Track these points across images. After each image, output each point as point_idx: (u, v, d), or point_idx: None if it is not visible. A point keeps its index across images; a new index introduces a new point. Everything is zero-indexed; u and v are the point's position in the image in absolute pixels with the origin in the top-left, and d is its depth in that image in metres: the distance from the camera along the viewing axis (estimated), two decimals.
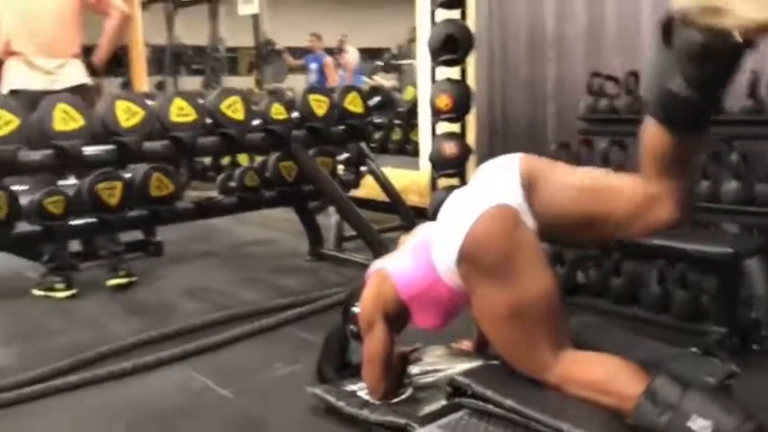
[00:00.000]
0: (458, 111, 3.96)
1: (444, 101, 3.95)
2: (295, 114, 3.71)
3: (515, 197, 1.86)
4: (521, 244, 1.83)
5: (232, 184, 3.88)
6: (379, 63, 10.81)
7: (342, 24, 11.90)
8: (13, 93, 3.43)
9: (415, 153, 5.59)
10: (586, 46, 4.05)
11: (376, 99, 4.50)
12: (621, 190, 1.81)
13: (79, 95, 3.25)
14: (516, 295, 1.81)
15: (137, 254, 4.42)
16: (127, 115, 3.02)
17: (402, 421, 2.04)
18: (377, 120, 4.35)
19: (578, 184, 1.88)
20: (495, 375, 1.94)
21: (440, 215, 2.04)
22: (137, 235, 4.59)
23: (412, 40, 7.92)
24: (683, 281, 3.02)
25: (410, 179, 5.28)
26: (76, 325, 3.29)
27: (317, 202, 4.57)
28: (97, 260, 4.08)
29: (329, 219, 4.58)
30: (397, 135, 6.54)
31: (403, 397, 2.27)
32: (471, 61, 4.21)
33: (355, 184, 4.55)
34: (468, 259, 1.85)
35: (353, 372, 2.42)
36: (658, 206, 1.74)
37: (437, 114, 4.01)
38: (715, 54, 1.48)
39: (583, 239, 1.93)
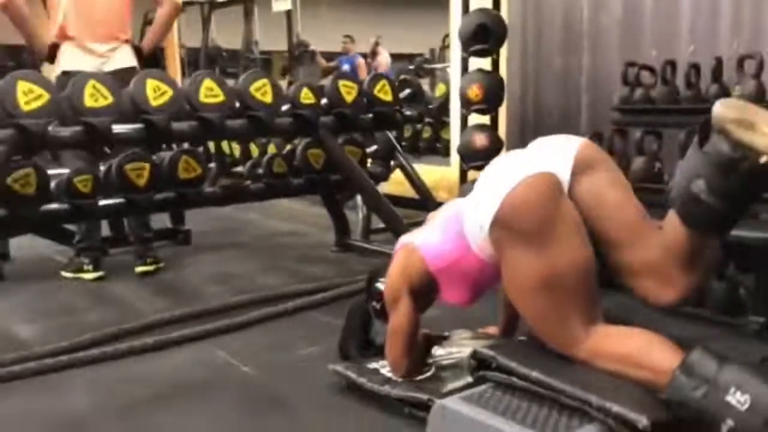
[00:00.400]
0: (489, 102, 3.89)
1: (475, 92, 3.88)
2: (324, 101, 3.68)
3: (562, 171, 1.81)
4: (561, 213, 1.76)
5: (260, 171, 3.87)
6: (411, 67, 10.78)
7: (375, 28, 11.93)
8: (66, 74, 3.47)
9: (446, 152, 5.53)
10: (621, 37, 3.96)
11: (407, 91, 4.43)
12: (649, 243, 1.77)
13: (128, 78, 3.30)
14: (550, 264, 1.74)
15: (165, 242, 4.44)
16: (156, 93, 3.03)
17: (425, 396, 1.98)
18: (408, 112, 4.26)
19: (623, 204, 1.83)
20: (521, 348, 1.87)
21: (478, 183, 1.98)
22: (166, 223, 4.64)
23: (445, 47, 7.89)
24: (720, 273, 2.92)
25: (440, 175, 5.22)
26: (101, 304, 3.30)
27: (345, 193, 4.52)
28: (127, 246, 4.11)
29: (357, 212, 4.55)
30: (427, 133, 6.50)
31: (426, 375, 2.22)
32: (503, 51, 4.14)
33: (384, 177, 4.50)
34: (503, 223, 1.78)
35: (376, 352, 2.38)
36: (666, 286, 1.76)
37: (468, 105, 3.95)
38: (739, 168, 1.51)
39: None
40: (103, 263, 3.78)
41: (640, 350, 1.69)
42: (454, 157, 4.78)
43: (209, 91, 3.14)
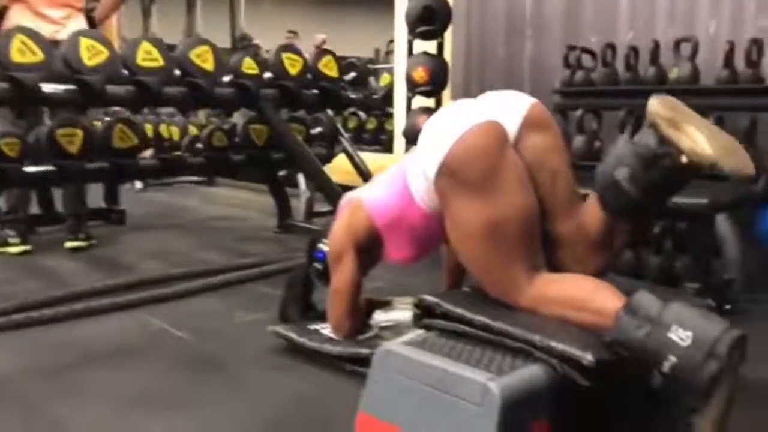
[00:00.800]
0: (434, 84, 3.88)
1: (420, 74, 3.87)
2: (267, 74, 3.60)
3: (510, 124, 1.79)
4: (506, 161, 1.74)
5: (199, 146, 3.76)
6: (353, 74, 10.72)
7: (321, 27, 11.86)
8: None
9: (390, 146, 5.50)
10: (563, 23, 4.03)
11: (352, 74, 4.40)
12: (574, 221, 1.80)
13: None
14: (494, 211, 1.72)
15: (99, 222, 4.26)
16: (91, 53, 2.90)
17: (366, 351, 1.93)
18: (353, 96, 4.23)
19: (563, 173, 1.82)
20: (465, 296, 1.84)
21: (421, 134, 1.95)
22: (100, 203, 4.47)
23: (389, 52, 7.85)
24: (657, 247, 2.99)
25: (384, 162, 5.18)
26: (30, 277, 3.13)
27: (287, 171, 4.44)
28: (57, 225, 3.93)
29: (300, 198, 4.48)
30: (372, 124, 6.47)
31: (367, 335, 2.17)
32: (447, 37, 4.16)
33: (328, 159, 4.45)
34: (449, 171, 1.75)
35: (317, 316, 2.32)
36: (574, 262, 1.80)
37: (413, 87, 3.94)
38: (661, 164, 1.57)
39: None
40: (31, 240, 3.60)
41: (584, 294, 1.68)
42: (399, 147, 4.77)
43: (147, 55, 3.03)
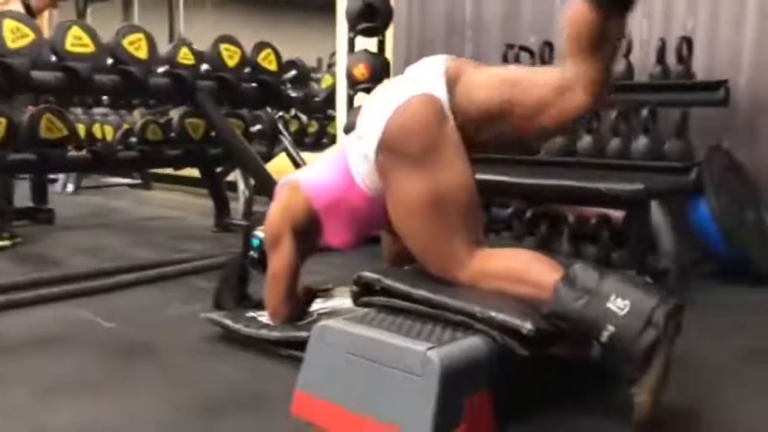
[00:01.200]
0: (375, 81, 3.86)
1: (361, 71, 3.86)
2: (204, 66, 3.51)
3: (439, 90, 1.77)
4: (444, 135, 1.73)
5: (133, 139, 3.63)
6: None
7: (262, 35, 11.74)
8: None
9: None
10: (502, 25, 4.08)
11: (293, 72, 4.35)
12: (538, 79, 1.75)
13: None
14: (435, 185, 1.70)
15: (25, 222, 4.07)
16: (15, 35, 2.76)
17: (305, 334, 1.87)
18: (293, 94, 4.17)
19: (499, 75, 1.81)
20: (405, 273, 1.81)
21: (359, 118, 1.92)
22: (27, 203, 4.27)
23: (332, 64, 7.77)
24: (593, 238, 3.03)
25: None
26: None
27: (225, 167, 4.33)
28: None
29: (239, 198, 4.38)
30: (313, 127, 6.41)
31: (305, 321, 2.11)
32: (389, 36, 4.16)
33: (268, 158, 4.37)
34: (388, 147, 1.73)
35: (253, 305, 2.25)
36: (572, 91, 1.65)
37: (354, 84, 3.92)
38: None
39: (503, 134, 1.82)
40: None
41: (523, 267, 1.68)
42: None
43: (77, 40, 2.90)
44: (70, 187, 5.92)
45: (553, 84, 1.69)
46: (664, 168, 3.01)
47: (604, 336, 1.51)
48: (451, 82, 1.79)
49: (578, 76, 1.64)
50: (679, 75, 3.15)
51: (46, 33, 5.70)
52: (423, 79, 1.80)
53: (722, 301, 2.64)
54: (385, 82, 1.97)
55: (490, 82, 1.79)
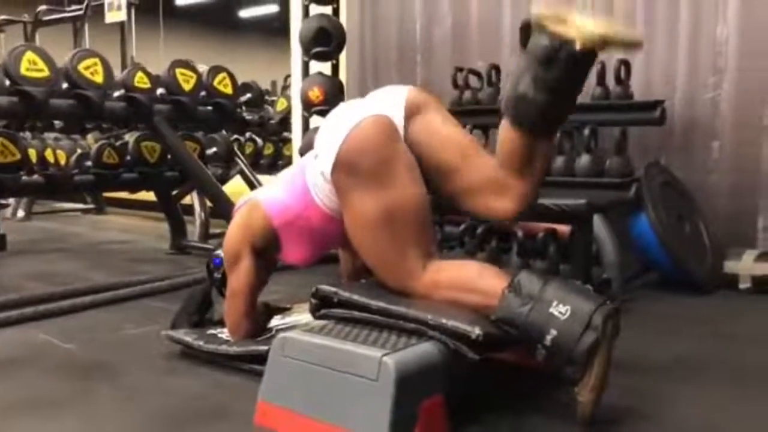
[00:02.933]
0: (330, 104, 3.94)
1: (316, 93, 3.95)
2: (160, 90, 3.55)
3: (397, 114, 1.87)
4: (397, 153, 1.82)
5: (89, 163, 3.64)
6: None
7: (216, 58, 11.75)
8: None
9: None
10: (451, 49, 4.22)
11: (248, 95, 4.41)
12: (482, 162, 1.86)
13: None
14: (389, 201, 1.78)
15: None
16: None
17: (265, 348, 1.92)
18: (248, 116, 4.23)
19: (453, 134, 1.90)
20: (361, 286, 1.89)
21: (316, 138, 1.99)
22: None
23: (287, 87, 7.84)
24: (542, 252, 3.15)
25: None
26: None
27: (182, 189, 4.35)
28: None
29: (195, 220, 4.40)
30: (269, 150, 6.46)
31: (264, 337, 2.16)
32: (342, 59, 4.26)
33: (224, 180, 4.41)
34: (344, 165, 1.81)
35: (215, 322, 2.30)
36: (502, 196, 1.82)
37: (309, 107, 4.00)
38: (559, 59, 1.61)
39: (437, 186, 1.93)
40: None
41: (472, 276, 1.77)
42: None
43: (32, 65, 2.92)
44: (21, 213, 5.84)
45: (492, 178, 1.83)
46: (606, 184, 3.16)
47: (548, 339, 1.61)
48: (410, 111, 1.89)
49: (510, 187, 1.81)
50: (619, 96, 3.33)
51: None
52: (382, 103, 1.89)
53: (661, 310, 2.78)
54: (344, 103, 2.05)
55: (441, 137, 1.89)
